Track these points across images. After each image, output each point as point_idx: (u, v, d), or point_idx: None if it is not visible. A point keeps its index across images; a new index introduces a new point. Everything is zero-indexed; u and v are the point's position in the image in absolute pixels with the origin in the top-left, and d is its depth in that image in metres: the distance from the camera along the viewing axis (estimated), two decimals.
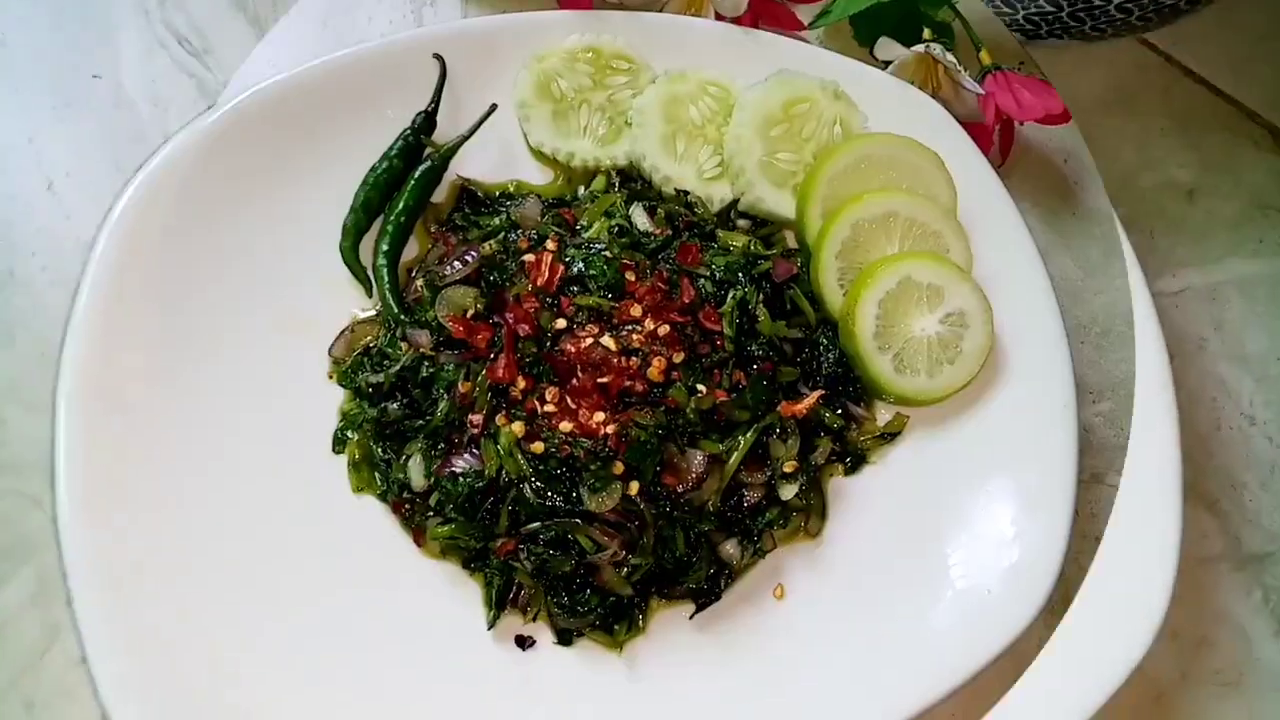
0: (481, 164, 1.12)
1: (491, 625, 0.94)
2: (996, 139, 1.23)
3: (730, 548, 0.97)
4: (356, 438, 1.00)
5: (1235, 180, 1.16)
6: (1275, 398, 1.08)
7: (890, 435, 1.05)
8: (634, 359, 0.95)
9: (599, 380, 0.94)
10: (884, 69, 1.19)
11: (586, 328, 0.96)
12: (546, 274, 0.97)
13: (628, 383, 0.94)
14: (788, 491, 0.99)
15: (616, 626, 0.95)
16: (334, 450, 1.00)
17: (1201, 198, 1.15)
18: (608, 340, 0.95)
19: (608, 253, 0.99)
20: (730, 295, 1.00)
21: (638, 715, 0.93)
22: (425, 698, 0.91)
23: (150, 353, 0.97)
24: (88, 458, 0.92)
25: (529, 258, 0.99)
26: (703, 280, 1.01)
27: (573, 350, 0.95)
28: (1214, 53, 1.21)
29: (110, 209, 0.99)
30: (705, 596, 0.97)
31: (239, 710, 0.87)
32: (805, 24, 1.25)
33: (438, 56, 1.10)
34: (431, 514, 0.96)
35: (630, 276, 0.98)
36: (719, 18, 1.20)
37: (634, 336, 0.95)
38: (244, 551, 0.94)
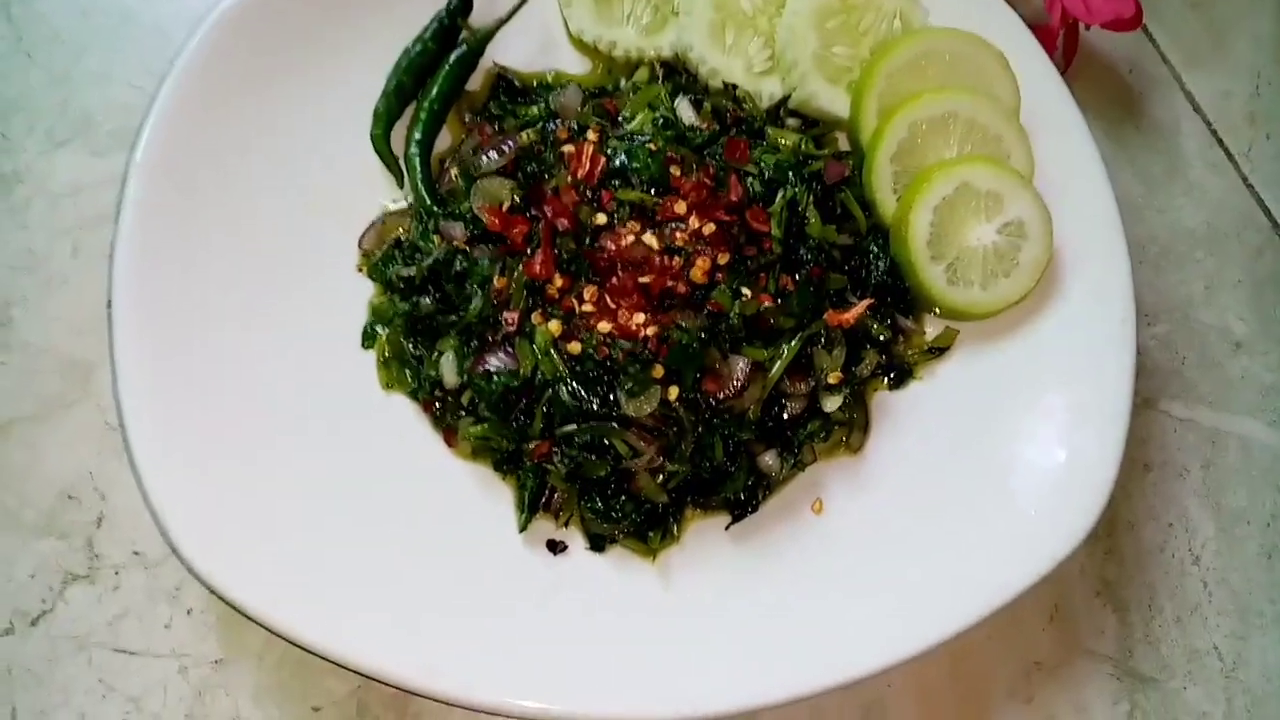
0: (519, 52, 1.07)
1: (523, 528, 0.92)
2: (1061, 44, 1.17)
3: (770, 459, 0.94)
4: (387, 333, 0.96)
5: None
6: (1228, 556, 1.04)
7: (938, 350, 1.01)
8: (677, 258, 0.90)
9: (640, 280, 0.89)
10: None
11: (628, 224, 0.91)
12: (587, 166, 0.92)
13: (670, 283, 0.89)
14: (831, 404, 0.95)
15: (651, 534, 0.92)
16: (363, 345, 0.96)
17: (1246, 355, 1.12)
18: (650, 238, 0.90)
19: (652, 145, 0.94)
20: (780, 195, 0.95)
21: (670, 625, 0.90)
22: (454, 597, 0.89)
23: (181, 234, 0.93)
24: None
25: (569, 148, 0.94)
26: (750, 179, 0.96)
27: (613, 247, 0.90)
28: None
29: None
30: (742, 507, 0.94)
31: (265, 601, 0.84)
32: None
33: None
34: (464, 413, 0.93)
35: (675, 171, 0.93)
36: None
37: (677, 235, 0.91)
38: (267, 444, 0.91)
